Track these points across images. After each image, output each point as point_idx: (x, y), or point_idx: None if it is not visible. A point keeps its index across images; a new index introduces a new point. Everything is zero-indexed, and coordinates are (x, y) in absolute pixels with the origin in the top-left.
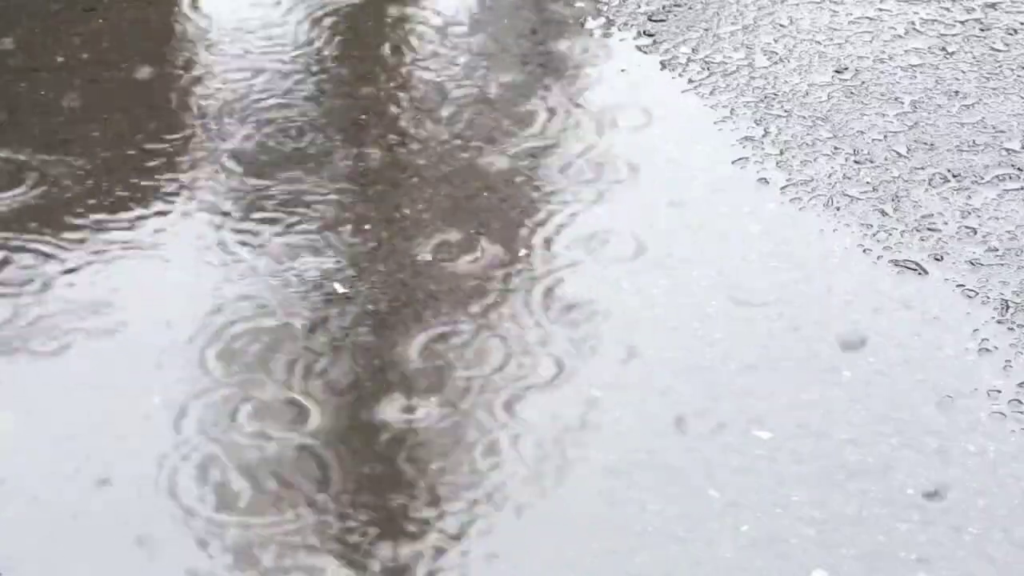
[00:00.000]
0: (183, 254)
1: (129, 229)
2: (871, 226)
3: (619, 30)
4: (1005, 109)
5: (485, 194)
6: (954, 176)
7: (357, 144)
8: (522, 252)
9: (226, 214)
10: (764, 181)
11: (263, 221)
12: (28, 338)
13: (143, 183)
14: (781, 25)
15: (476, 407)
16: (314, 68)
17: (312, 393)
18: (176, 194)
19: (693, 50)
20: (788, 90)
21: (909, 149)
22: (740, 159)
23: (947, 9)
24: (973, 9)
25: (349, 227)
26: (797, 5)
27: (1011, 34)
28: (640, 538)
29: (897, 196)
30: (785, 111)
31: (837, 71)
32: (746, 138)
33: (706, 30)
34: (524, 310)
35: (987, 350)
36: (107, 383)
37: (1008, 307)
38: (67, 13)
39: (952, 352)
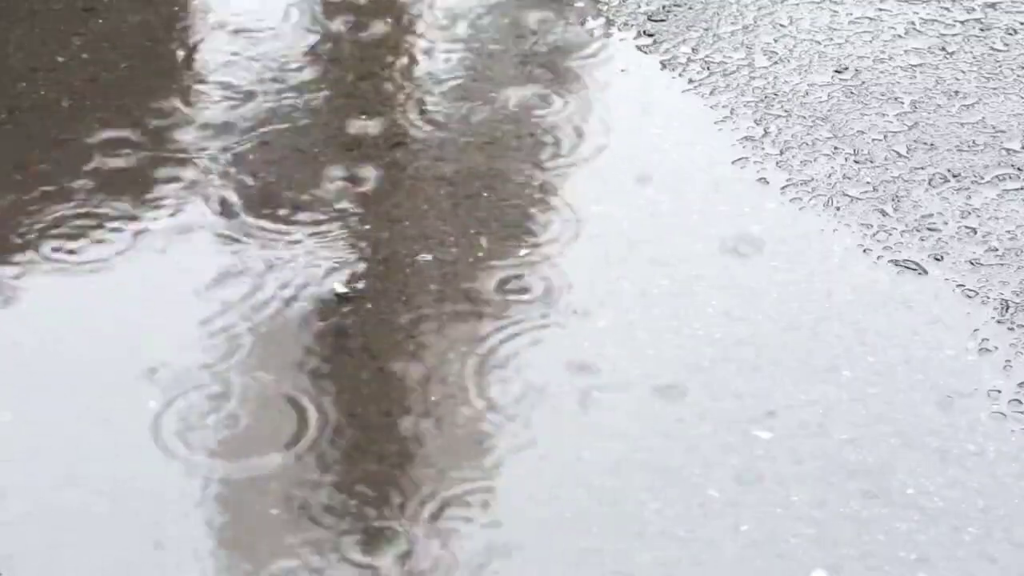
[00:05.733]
0: (183, 254)
1: (128, 228)
2: (871, 226)
3: (619, 30)
4: (1005, 109)
5: (485, 194)
6: (954, 176)
7: (357, 144)
8: (522, 252)
9: (226, 214)
10: (764, 181)
11: (263, 221)
12: (29, 338)
13: (142, 183)
14: (781, 25)
15: (476, 409)
16: (314, 68)
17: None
18: (175, 194)
19: (693, 50)
20: (788, 90)
21: (909, 149)
22: (740, 159)
23: (947, 9)
24: (973, 9)
25: (349, 227)
26: (797, 5)
27: (1011, 34)
28: (640, 538)
29: (897, 196)
30: (785, 111)
31: (837, 71)
32: (746, 138)
33: (706, 30)
34: (524, 310)
35: (987, 350)
36: (104, 383)
37: (1008, 307)
38: (67, 13)
39: (952, 352)
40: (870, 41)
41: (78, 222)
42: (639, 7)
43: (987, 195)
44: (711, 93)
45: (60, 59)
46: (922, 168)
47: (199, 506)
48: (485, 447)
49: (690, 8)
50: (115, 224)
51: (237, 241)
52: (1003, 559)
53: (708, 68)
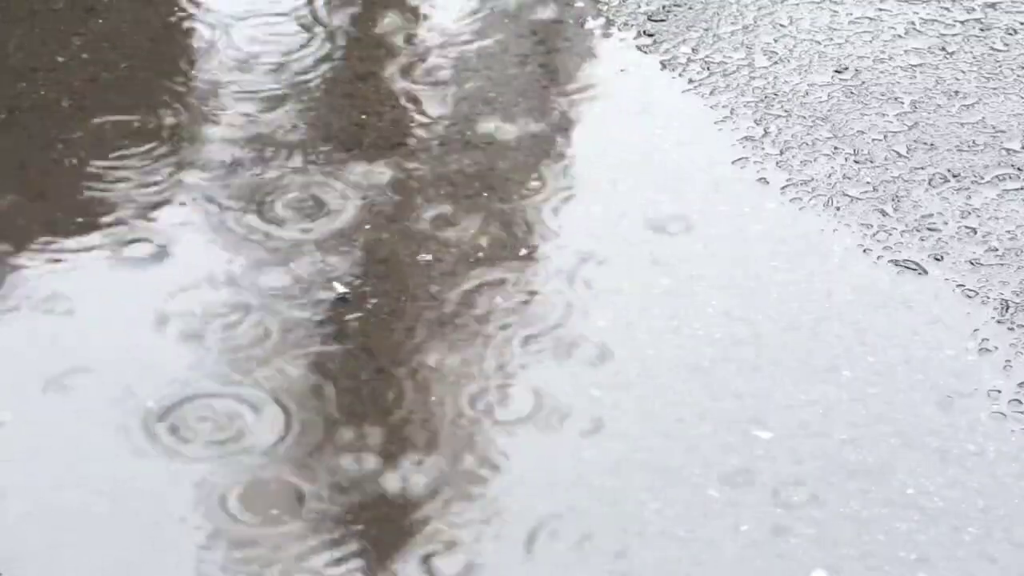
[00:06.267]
0: (182, 253)
1: (128, 228)
2: (871, 226)
3: (619, 30)
4: (1005, 109)
5: (485, 194)
6: (954, 176)
7: (357, 144)
8: (522, 252)
9: (226, 214)
10: (764, 181)
11: (263, 221)
12: (28, 338)
13: (142, 183)
14: (781, 25)
15: (476, 409)
16: (314, 68)
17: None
18: (174, 194)
19: (693, 50)
20: (788, 90)
21: (909, 149)
22: (740, 159)
23: (947, 9)
24: (973, 9)
25: (348, 227)
26: (797, 5)
27: (1011, 34)
28: (640, 538)
29: (897, 196)
30: (785, 111)
31: (837, 71)
32: (746, 138)
33: (706, 30)
34: (523, 311)
35: (987, 350)
36: (104, 382)
37: (1008, 307)
38: (67, 13)
39: (952, 352)
40: (870, 41)
41: (77, 222)
42: (639, 7)
43: (987, 195)
44: (711, 93)
45: (60, 59)
46: (922, 168)
47: (199, 506)
48: (484, 447)
49: (690, 8)
50: (114, 223)
51: (237, 243)
52: (1003, 559)
53: (708, 68)
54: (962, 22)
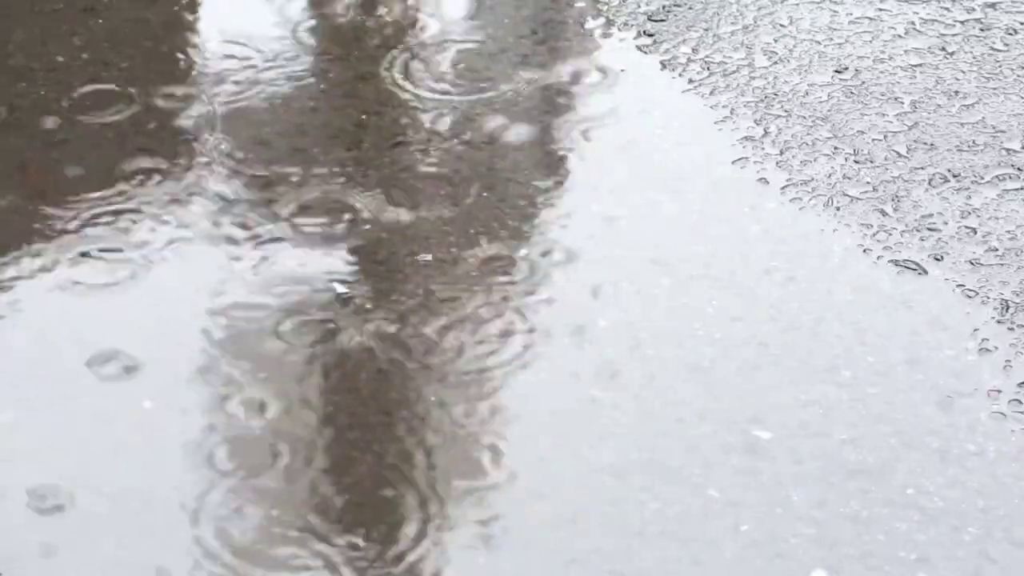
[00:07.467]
0: (179, 255)
1: (127, 228)
2: (871, 226)
3: (619, 30)
4: (1005, 109)
5: (485, 194)
6: (954, 176)
7: (356, 144)
8: (522, 252)
9: (225, 214)
10: (764, 181)
11: (263, 221)
12: (28, 338)
13: (140, 185)
14: (781, 25)
15: (476, 409)
16: (314, 68)
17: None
18: (172, 195)
19: (693, 50)
20: (788, 90)
21: (909, 149)
22: (740, 159)
23: (947, 9)
24: (973, 9)
25: (348, 227)
26: (797, 5)
27: (1011, 34)
28: (640, 538)
29: (897, 196)
30: (785, 111)
31: (837, 71)
32: (746, 138)
33: (706, 30)
34: (524, 310)
35: (987, 350)
36: (104, 382)
37: (1008, 307)
38: (67, 13)
39: (952, 352)
40: (870, 41)
41: (76, 222)
42: (639, 7)
43: (987, 195)
44: (711, 93)
45: (60, 59)
46: (922, 168)
47: (199, 507)
48: (484, 447)
49: (690, 8)
50: (112, 224)
51: (236, 243)
52: (1003, 559)
53: (708, 68)
54: (962, 22)
